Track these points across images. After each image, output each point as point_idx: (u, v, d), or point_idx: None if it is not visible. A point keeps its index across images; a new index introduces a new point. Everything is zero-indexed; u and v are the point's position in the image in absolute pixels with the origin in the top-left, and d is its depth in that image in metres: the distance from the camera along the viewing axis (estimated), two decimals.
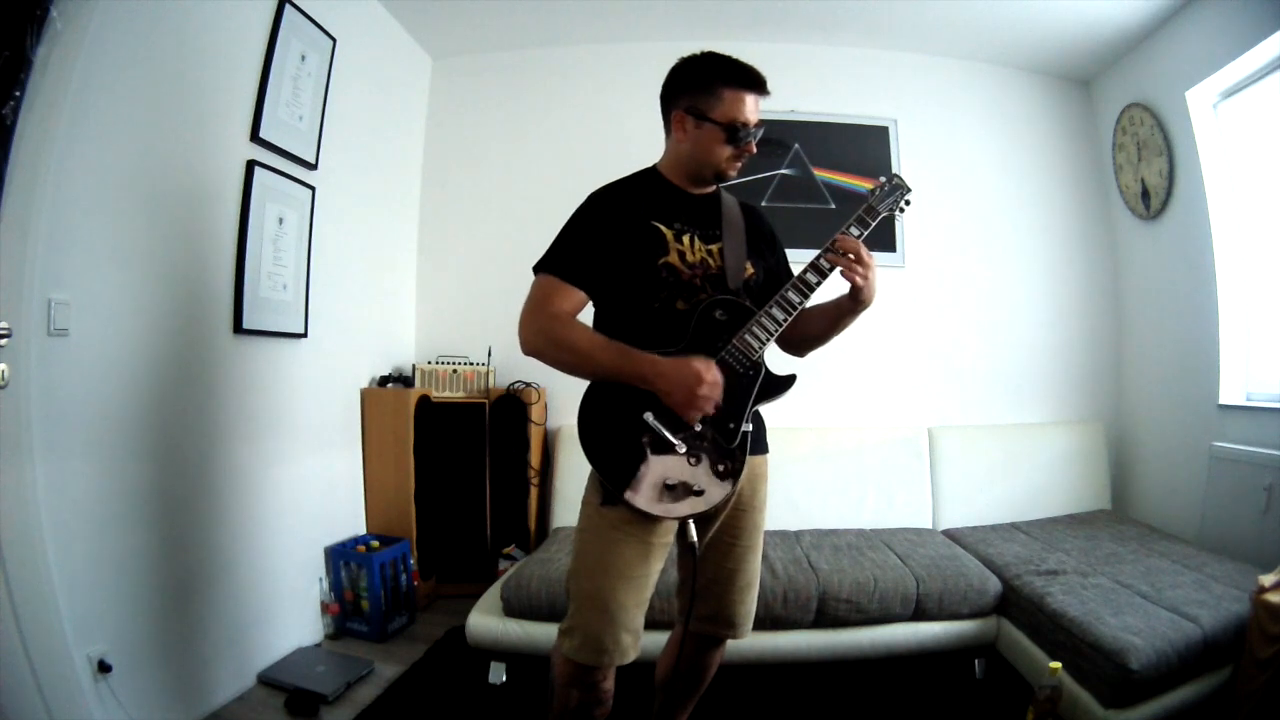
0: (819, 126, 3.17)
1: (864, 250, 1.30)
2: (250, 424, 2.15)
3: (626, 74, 3.15)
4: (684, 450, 1.25)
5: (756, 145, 1.36)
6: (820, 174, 3.16)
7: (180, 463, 1.89)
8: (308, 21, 2.30)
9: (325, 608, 2.47)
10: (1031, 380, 3.19)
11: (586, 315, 1.36)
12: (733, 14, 2.94)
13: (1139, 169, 2.95)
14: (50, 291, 1.50)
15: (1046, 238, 3.23)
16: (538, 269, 1.33)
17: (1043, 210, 3.23)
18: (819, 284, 1.32)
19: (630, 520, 1.26)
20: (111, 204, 1.66)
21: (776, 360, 1.39)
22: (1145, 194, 2.93)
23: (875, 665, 2.20)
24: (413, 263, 3.24)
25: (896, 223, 3.02)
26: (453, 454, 2.90)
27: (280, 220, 2.25)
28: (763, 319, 1.30)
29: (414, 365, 3.00)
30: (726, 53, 1.34)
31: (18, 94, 1.35)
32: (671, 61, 1.38)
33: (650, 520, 1.26)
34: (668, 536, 1.33)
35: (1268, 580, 1.74)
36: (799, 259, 1.41)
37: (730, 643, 1.53)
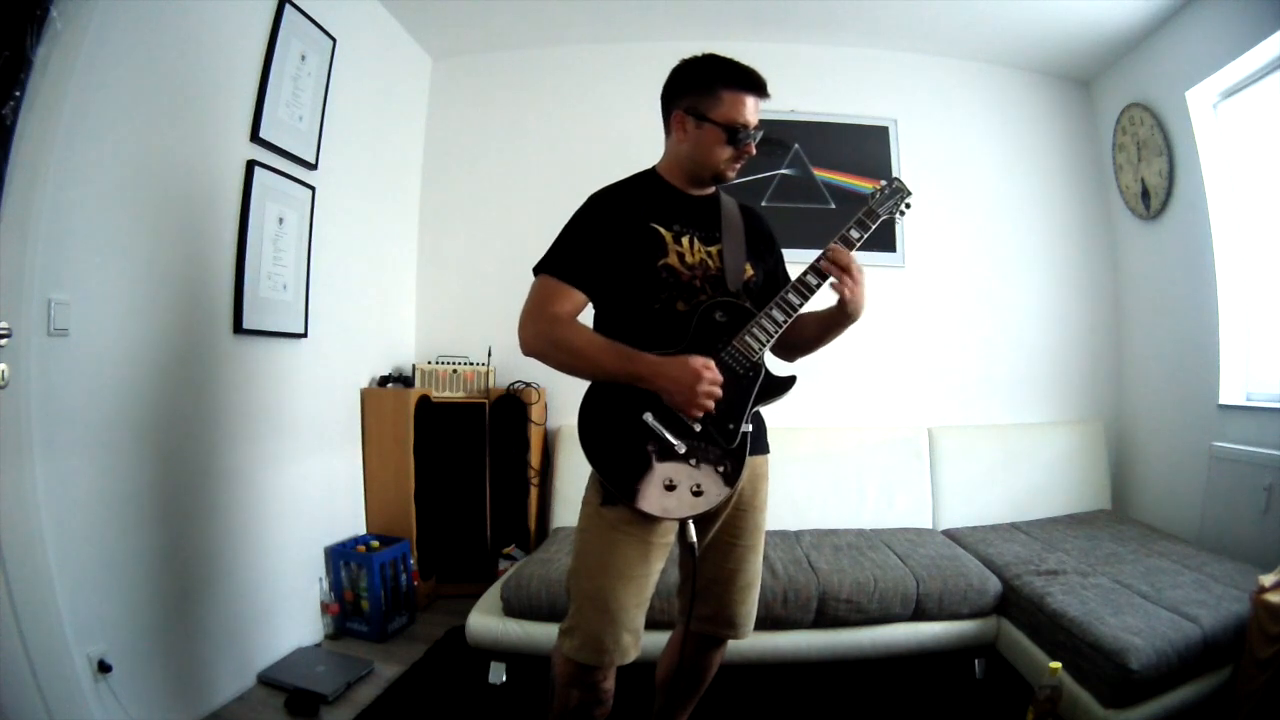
0: (819, 126, 3.17)
1: (854, 264, 1.30)
2: (250, 424, 2.15)
3: (626, 74, 3.15)
4: (684, 451, 1.25)
5: (756, 146, 1.36)
6: (820, 174, 3.16)
7: (180, 462, 1.89)
8: (308, 21, 2.30)
9: (325, 608, 2.47)
10: (1031, 380, 3.19)
11: (586, 316, 1.36)
12: (732, 14, 2.94)
13: (1139, 169, 2.95)
14: (50, 291, 1.50)
15: (1046, 238, 3.23)
16: (538, 270, 1.33)
17: (1043, 210, 3.23)
18: (819, 286, 1.33)
19: (630, 520, 1.27)
20: (111, 204, 1.66)
21: (775, 362, 1.39)
22: (1145, 194, 2.94)
23: (875, 665, 2.20)
24: (413, 263, 3.24)
25: (896, 224, 3.02)
26: (453, 454, 2.90)
27: (280, 220, 2.25)
28: (763, 320, 1.30)
29: (414, 365, 3.00)
30: (726, 54, 1.34)
31: (18, 94, 1.35)
32: (671, 61, 1.39)
33: (650, 520, 1.26)
34: (668, 536, 1.33)
35: (1268, 580, 1.75)
36: (800, 259, 1.41)
37: (730, 643, 1.53)
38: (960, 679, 2.22)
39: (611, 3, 2.91)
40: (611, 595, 1.28)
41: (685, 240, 1.34)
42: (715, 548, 1.41)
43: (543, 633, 2.03)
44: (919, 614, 2.15)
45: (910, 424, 3.02)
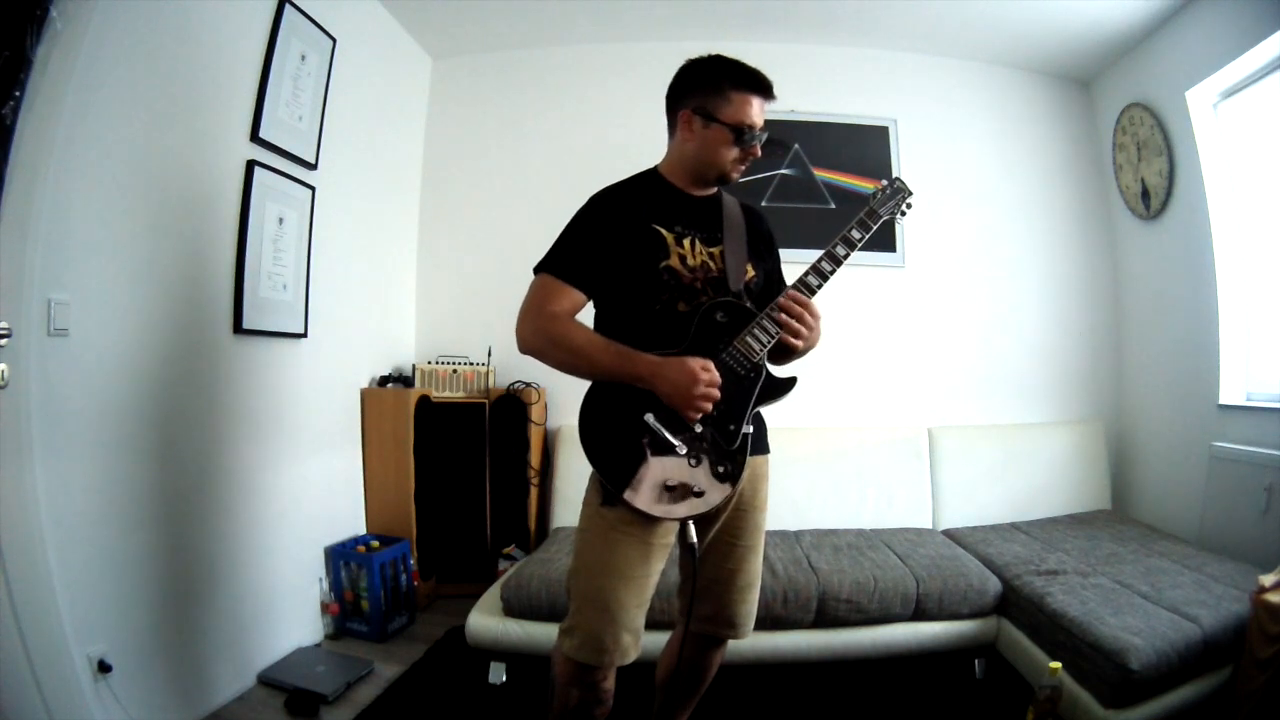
0: (819, 126, 3.16)
1: (808, 311, 1.30)
2: (250, 424, 2.15)
3: (626, 74, 3.15)
4: (685, 451, 1.25)
5: (761, 148, 1.36)
6: (820, 174, 3.16)
7: (180, 463, 1.89)
8: (308, 21, 2.30)
9: (325, 608, 2.47)
10: (1031, 380, 3.19)
11: (586, 316, 1.36)
12: (732, 14, 2.94)
13: (1139, 169, 2.95)
14: (50, 291, 1.50)
15: (1046, 237, 3.23)
16: (538, 269, 1.33)
17: (1043, 210, 3.23)
18: (820, 286, 1.33)
19: (631, 521, 1.27)
20: (111, 204, 1.66)
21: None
22: (1145, 194, 2.94)
23: (875, 665, 2.20)
24: (413, 263, 3.24)
25: (897, 224, 3.02)
26: (453, 454, 2.90)
27: (280, 220, 2.25)
28: (764, 321, 1.30)
29: (414, 365, 3.00)
30: (730, 54, 1.35)
31: (18, 94, 1.35)
32: (672, 61, 1.39)
33: (651, 521, 1.26)
34: (668, 537, 1.33)
35: (1268, 580, 1.75)
36: (800, 259, 1.41)
37: (730, 643, 1.53)
38: (960, 679, 2.22)
39: (611, 3, 2.91)
40: (612, 595, 1.28)
41: (687, 242, 1.34)
42: (715, 548, 1.41)
43: (543, 633, 2.03)
44: (919, 614, 2.15)
45: (910, 424, 3.02)
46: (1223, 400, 2.58)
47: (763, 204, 3.04)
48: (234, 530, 2.08)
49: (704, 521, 1.34)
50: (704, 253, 1.35)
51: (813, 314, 1.32)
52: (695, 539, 1.28)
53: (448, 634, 2.51)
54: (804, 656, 2.14)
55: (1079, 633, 1.78)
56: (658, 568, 1.33)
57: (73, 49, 1.50)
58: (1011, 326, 3.20)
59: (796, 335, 1.30)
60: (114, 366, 1.68)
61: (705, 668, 1.56)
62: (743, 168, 1.38)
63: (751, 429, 1.30)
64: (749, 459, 1.30)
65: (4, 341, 1.38)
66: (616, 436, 1.25)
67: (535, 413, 2.93)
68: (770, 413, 1.39)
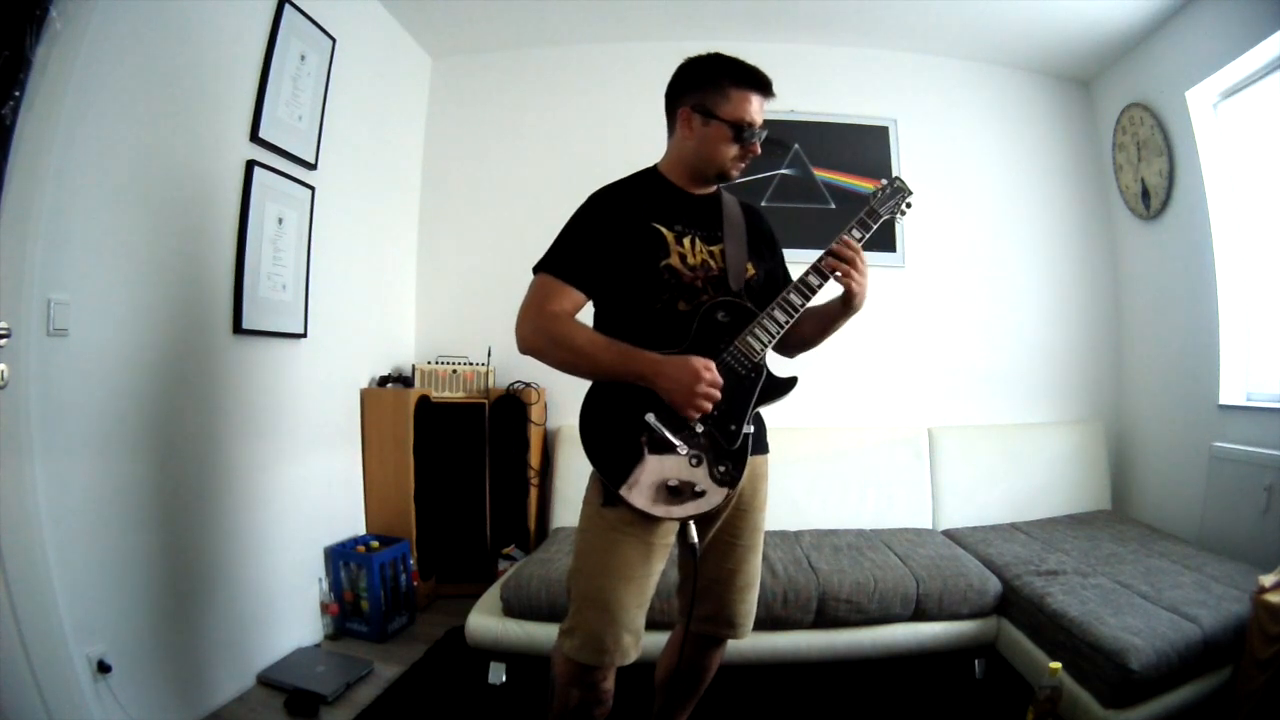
0: (819, 126, 3.16)
1: (860, 257, 1.31)
2: (250, 424, 2.14)
3: (626, 74, 3.15)
4: (685, 451, 1.25)
5: (760, 146, 1.36)
6: (820, 174, 3.16)
7: (180, 463, 1.89)
8: (307, 21, 2.30)
9: (325, 608, 2.47)
10: (1031, 380, 3.19)
11: (586, 316, 1.36)
12: (732, 14, 2.94)
13: (1139, 169, 2.95)
14: (50, 291, 1.50)
15: (1046, 238, 3.23)
16: (537, 269, 1.33)
17: (1043, 210, 3.23)
18: (820, 286, 1.33)
19: (631, 521, 1.26)
20: (111, 204, 1.66)
21: (776, 362, 1.39)
22: (1145, 194, 2.93)
23: (875, 665, 2.20)
24: (413, 263, 3.23)
25: (897, 223, 3.02)
26: (452, 454, 2.90)
27: (280, 220, 2.25)
28: (765, 321, 1.30)
29: (414, 365, 3.00)
30: (731, 54, 1.34)
31: (17, 94, 1.35)
32: (671, 61, 1.39)
33: (651, 521, 1.26)
34: (669, 537, 1.33)
35: (1268, 580, 1.74)
36: (800, 259, 1.41)
37: (730, 643, 1.53)
38: (960, 679, 2.21)
39: (611, 3, 2.91)
40: (612, 595, 1.28)
41: (687, 241, 1.34)
42: (715, 548, 1.41)
43: (543, 633, 2.02)
44: (919, 614, 2.15)
45: (910, 424, 3.02)
46: (1223, 400, 2.58)
47: (763, 204, 3.04)
48: (234, 530, 2.07)
49: (704, 521, 1.34)
50: (704, 251, 1.35)
51: (863, 261, 1.31)
52: (695, 539, 1.28)
53: (447, 634, 2.51)
54: (804, 657, 2.14)
55: (1079, 633, 1.78)
56: (658, 568, 1.33)
57: (72, 49, 1.50)
58: (1011, 326, 3.20)
59: (849, 278, 1.29)
60: (114, 366, 1.68)
61: (705, 668, 1.56)
62: (742, 165, 1.37)
63: (752, 429, 1.30)
64: (749, 459, 1.30)
65: (4, 341, 1.38)
66: (617, 435, 1.25)
67: (535, 413, 2.93)
68: (770, 413, 1.39)
